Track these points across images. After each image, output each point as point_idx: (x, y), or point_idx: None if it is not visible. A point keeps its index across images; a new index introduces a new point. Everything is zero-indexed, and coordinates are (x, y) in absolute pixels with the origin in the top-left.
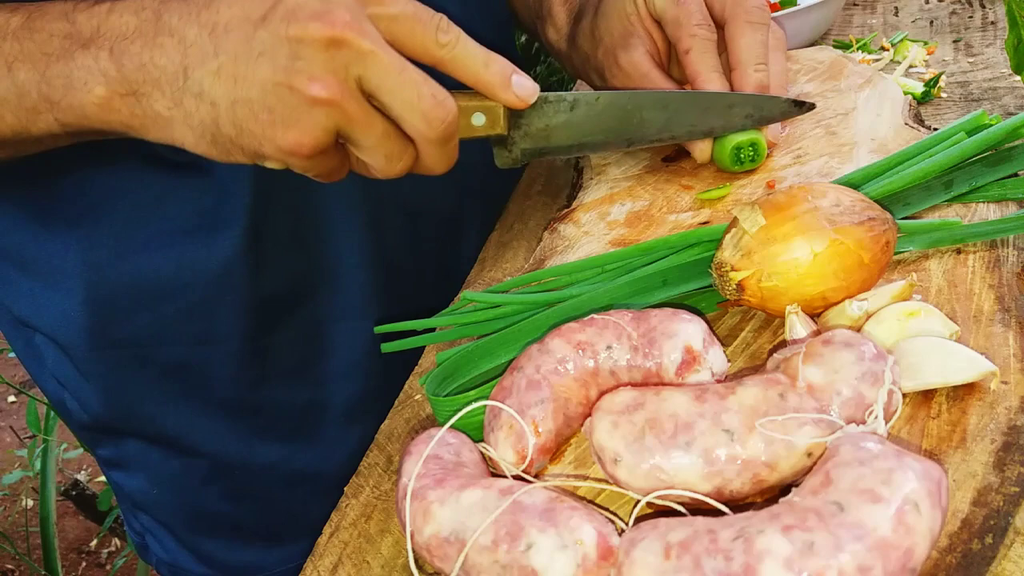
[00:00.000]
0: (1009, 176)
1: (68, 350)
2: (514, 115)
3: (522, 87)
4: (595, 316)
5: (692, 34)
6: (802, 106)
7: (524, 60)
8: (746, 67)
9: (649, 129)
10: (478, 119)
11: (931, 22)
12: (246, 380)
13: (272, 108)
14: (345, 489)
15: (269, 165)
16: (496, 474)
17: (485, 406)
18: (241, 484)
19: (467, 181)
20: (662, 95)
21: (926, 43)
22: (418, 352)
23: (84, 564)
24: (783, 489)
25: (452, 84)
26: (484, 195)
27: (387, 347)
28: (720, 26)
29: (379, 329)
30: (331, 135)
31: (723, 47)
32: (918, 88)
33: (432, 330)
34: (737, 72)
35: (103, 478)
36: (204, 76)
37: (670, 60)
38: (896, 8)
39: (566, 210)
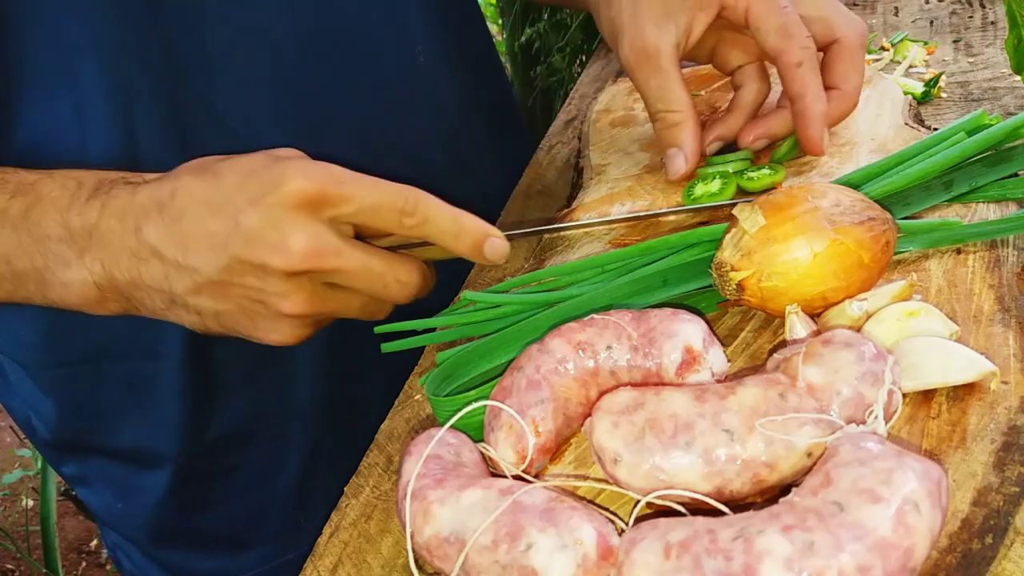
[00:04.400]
0: (1009, 176)
1: (26, 368)
2: None
3: (494, 251)
4: (595, 316)
5: (804, 47)
6: None
7: (522, 62)
8: (849, 93)
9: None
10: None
11: (931, 22)
12: (196, 391)
13: (251, 317)
14: (345, 489)
15: (275, 341)
16: (496, 474)
17: (485, 406)
18: (202, 493)
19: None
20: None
21: (926, 43)
22: (418, 352)
23: (84, 564)
24: (783, 489)
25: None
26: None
27: (387, 347)
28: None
29: (379, 329)
30: (309, 329)
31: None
32: (918, 88)
33: (432, 330)
34: (838, 101)
35: None
36: (186, 293)
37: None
38: (896, 8)
39: (566, 210)
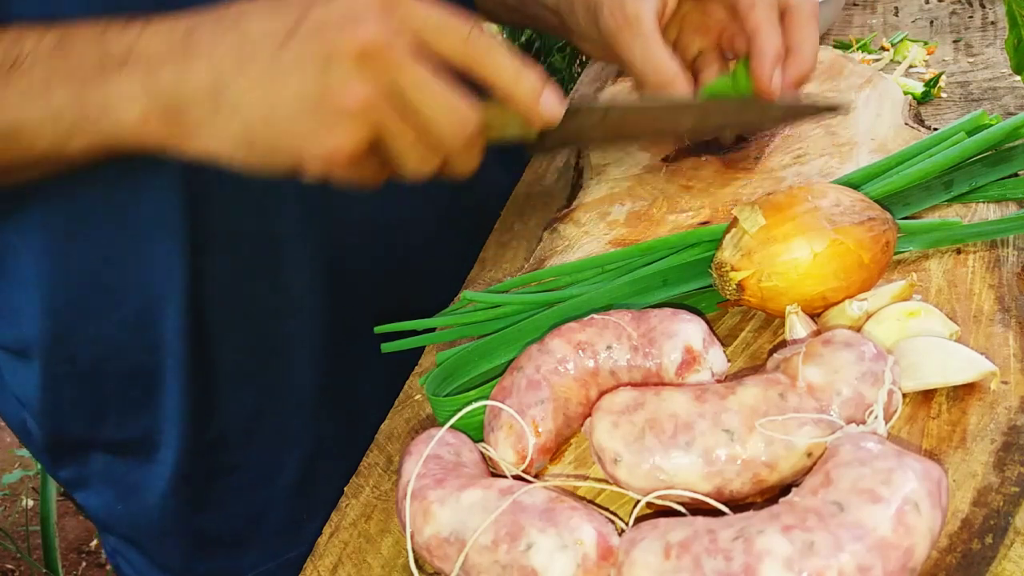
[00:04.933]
0: (1009, 176)
1: (26, 361)
2: None
3: (550, 107)
4: (595, 316)
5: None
6: (836, 108)
7: None
8: (804, 55)
9: (681, 128)
10: (510, 129)
11: (931, 22)
12: (197, 387)
13: (306, 120)
14: (345, 489)
15: (307, 177)
16: (496, 474)
17: (485, 406)
18: (204, 492)
19: (443, 208)
20: (700, 105)
21: (926, 43)
22: (418, 352)
23: (84, 564)
24: (783, 489)
25: None
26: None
27: (387, 347)
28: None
29: (379, 329)
30: (365, 142)
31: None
32: (918, 88)
33: (432, 330)
34: (795, 61)
35: None
36: (236, 94)
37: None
38: (896, 8)
39: (566, 210)
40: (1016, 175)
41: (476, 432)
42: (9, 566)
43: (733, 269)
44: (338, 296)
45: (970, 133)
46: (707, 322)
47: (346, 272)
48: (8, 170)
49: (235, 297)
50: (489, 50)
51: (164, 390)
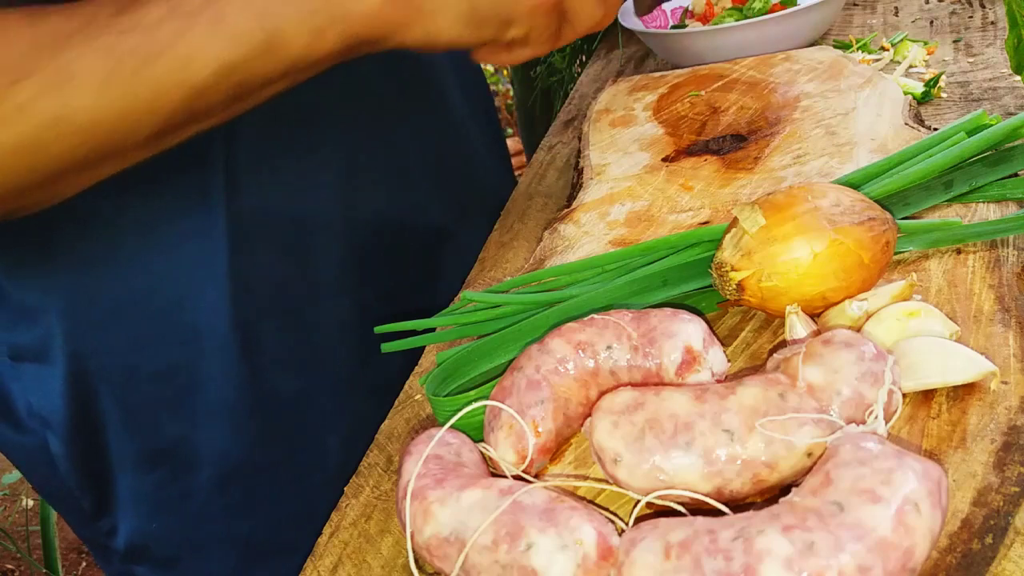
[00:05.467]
0: (1009, 176)
1: (50, 368)
2: None
3: None
4: (595, 316)
5: None
6: None
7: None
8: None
9: None
10: None
11: (931, 22)
12: (238, 375)
13: None
14: (345, 489)
15: (510, 36)
16: (496, 474)
17: (485, 406)
18: (246, 493)
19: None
20: None
21: (926, 43)
22: (418, 352)
23: (84, 564)
24: (783, 489)
25: None
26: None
27: (387, 347)
28: None
29: (379, 329)
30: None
31: None
32: (918, 88)
33: (432, 330)
34: None
35: None
36: None
37: None
38: (896, 8)
39: (566, 210)
40: (1016, 175)
41: (476, 432)
42: (9, 566)
43: (733, 269)
44: (364, 280)
45: (970, 133)
46: (707, 322)
47: (368, 258)
48: (263, 84)
49: (271, 280)
50: None
51: (202, 387)
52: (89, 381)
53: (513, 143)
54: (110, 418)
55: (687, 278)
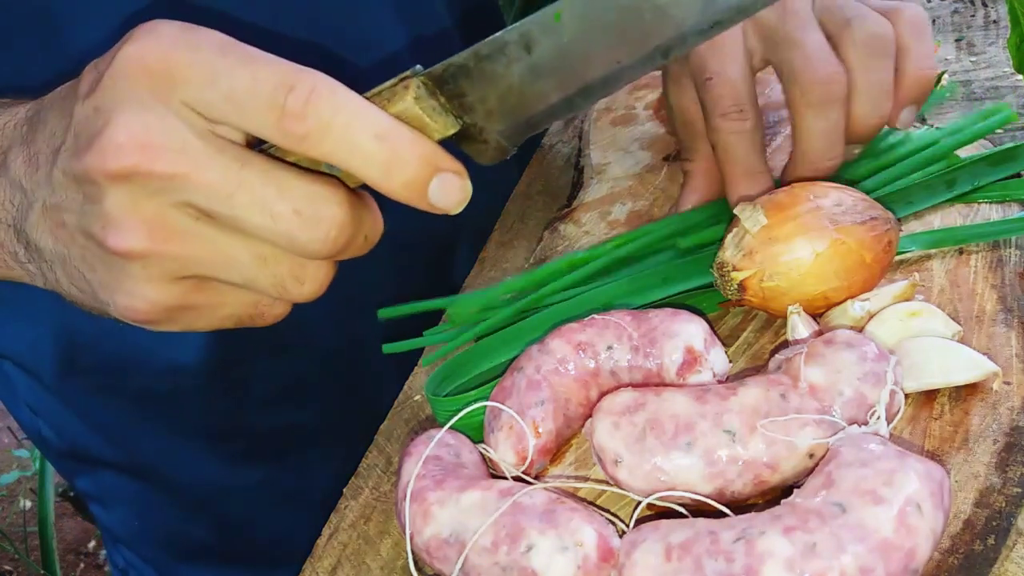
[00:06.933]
0: (1012, 176)
1: (39, 377)
2: (449, 98)
3: (445, 195)
4: (595, 316)
5: (715, 128)
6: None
7: None
8: (808, 164)
9: (684, 19)
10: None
11: (933, 21)
12: (220, 409)
13: (92, 267)
14: (344, 490)
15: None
16: (496, 475)
17: (485, 406)
18: (224, 511)
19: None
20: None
21: None
22: (417, 354)
23: (83, 566)
24: (785, 490)
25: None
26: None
27: (388, 348)
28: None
29: (383, 313)
30: (170, 288)
31: None
32: None
33: (436, 323)
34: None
35: None
36: (28, 229)
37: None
38: None
39: (566, 210)
40: (1019, 175)
41: (476, 433)
42: (7, 567)
43: (735, 269)
44: (353, 310)
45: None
46: (708, 322)
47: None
48: None
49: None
50: (326, 121)
51: (183, 411)
52: (75, 393)
53: None
54: (93, 428)
55: (688, 277)
